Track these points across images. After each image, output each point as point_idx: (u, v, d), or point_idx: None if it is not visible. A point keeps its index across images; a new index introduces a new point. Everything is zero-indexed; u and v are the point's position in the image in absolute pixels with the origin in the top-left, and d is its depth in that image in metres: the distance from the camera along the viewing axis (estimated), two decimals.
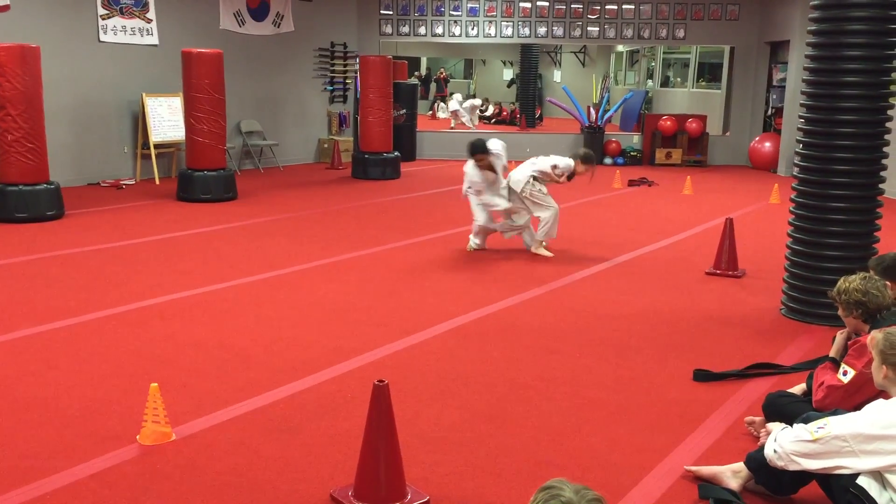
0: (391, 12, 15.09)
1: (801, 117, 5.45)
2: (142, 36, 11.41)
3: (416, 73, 26.18)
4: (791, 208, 5.55)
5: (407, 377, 4.30)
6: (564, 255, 7.35)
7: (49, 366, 4.40)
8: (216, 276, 6.33)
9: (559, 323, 5.35)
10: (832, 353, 3.68)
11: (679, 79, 20.78)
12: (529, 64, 21.61)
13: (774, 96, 14.43)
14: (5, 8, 9.53)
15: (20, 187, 8.30)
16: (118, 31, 11.08)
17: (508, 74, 27.93)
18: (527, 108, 21.51)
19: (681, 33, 15.10)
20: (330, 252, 7.27)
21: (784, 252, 5.66)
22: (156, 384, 3.53)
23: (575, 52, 25.38)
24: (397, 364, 4.53)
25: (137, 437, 3.52)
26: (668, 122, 14.82)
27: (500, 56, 27.88)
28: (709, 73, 18.79)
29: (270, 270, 6.57)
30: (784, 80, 13.85)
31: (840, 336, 3.73)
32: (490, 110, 24.26)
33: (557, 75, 26.17)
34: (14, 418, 3.75)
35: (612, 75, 24.97)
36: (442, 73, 28.17)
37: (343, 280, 6.35)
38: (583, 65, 25.40)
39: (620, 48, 23.61)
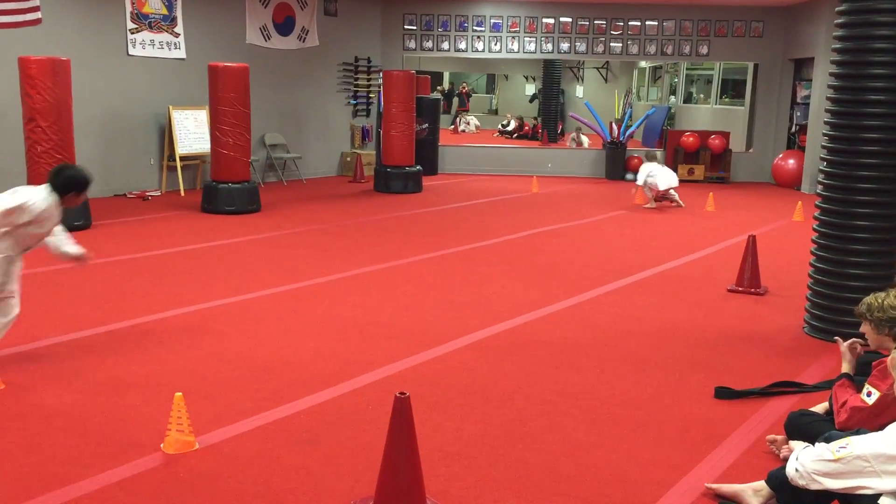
0: (415, 27, 15.20)
1: (825, 135, 5.43)
2: (169, 50, 11.57)
3: (439, 88, 26.31)
4: (815, 226, 5.52)
5: (428, 390, 4.32)
6: (585, 271, 7.35)
7: (75, 374, 4.46)
8: (240, 288, 6.40)
9: (580, 338, 5.35)
10: (844, 368, 3.65)
11: (702, 95, 20.73)
12: (552, 79, 21.64)
13: (798, 113, 14.36)
14: (37, 21, 9.71)
15: None
16: (146, 44, 11.25)
17: (531, 89, 27.98)
18: (549, 124, 21.52)
19: (704, 49, 15.08)
20: (352, 265, 7.32)
21: (807, 270, 5.63)
22: (180, 393, 3.57)
23: (597, 68, 25.38)
24: (418, 377, 4.55)
25: (161, 445, 3.57)
26: (691, 139, 14.79)
27: (522, 71, 27.94)
28: (732, 89, 18.73)
29: (293, 282, 6.62)
30: (808, 97, 13.78)
31: (844, 347, 3.69)
32: (512, 125, 24.30)
33: (580, 91, 26.17)
34: (41, 425, 3.80)
35: (634, 91, 24.95)
36: (464, 88, 28.29)
37: (365, 293, 6.39)
38: (605, 80, 25.39)
39: (643, 64, 23.60)
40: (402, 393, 2.98)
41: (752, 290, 6.64)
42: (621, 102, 23.15)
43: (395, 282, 6.78)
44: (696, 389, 4.45)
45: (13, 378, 4.35)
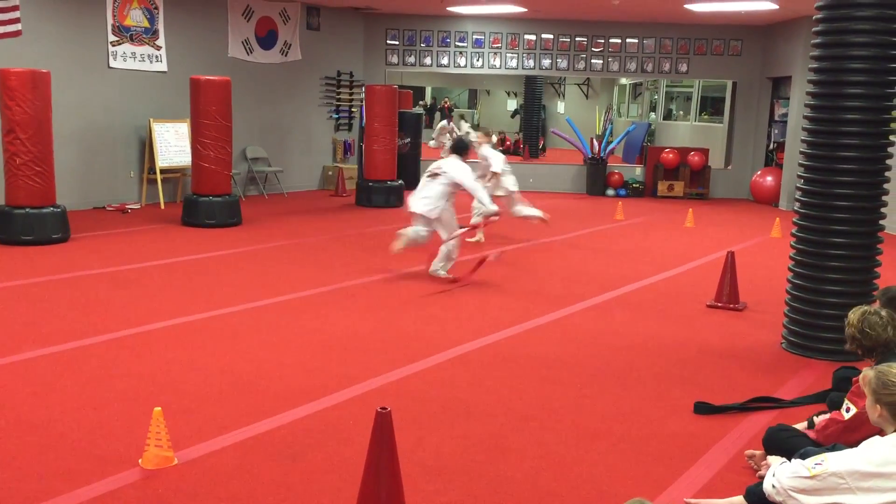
0: (397, 42, 15.26)
1: (802, 152, 5.50)
2: (151, 63, 11.54)
3: (421, 103, 26.40)
4: (792, 242, 5.58)
5: (409, 405, 4.31)
6: (566, 286, 7.38)
7: (52, 388, 4.42)
8: (220, 302, 6.36)
9: (561, 353, 5.37)
10: None
11: (682, 112, 20.94)
12: (533, 95, 21.79)
13: (776, 131, 14.53)
14: (17, 33, 9.66)
15: (27, 210, 8.37)
16: (128, 57, 11.22)
17: (512, 105, 28.14)
18: (530, 139, 21.64)
19: (684, 67, 15.25)
20: (334, 279, 7.30)
21: (785, 286, 5.69)
22: (159, 408, 3.55)
23: (578, 84, 25.58)
24: (399, 392, 4.55)
25: (140, 460, 3.53)
26: (671, 155, 14.92)
27: (504, 87, 28.10)
28: (711, 106, 18.93)
29: (274, 296, 6.60)
30: (786, 114, 13.96)
31: None
32: (494, 140, 24.38)
33: (561, 106, 26.36)
34: (17, 440, 3.76)
35: (615, 107, 25.15)
36: (446, 103, 28.38)
37: (346, 307, 6.38)
38: (586, 97, 25.59)
39: (624, 81, 23.81)
40: (383, 408, 2.98)
41: (731, 305, 6.70)
42: (602, 119, 23.34)
43: (377, 296, 6.78)
44: (675, 404, 4.47)
45: None
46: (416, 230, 7.45)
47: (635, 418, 4.27)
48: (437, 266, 7.44)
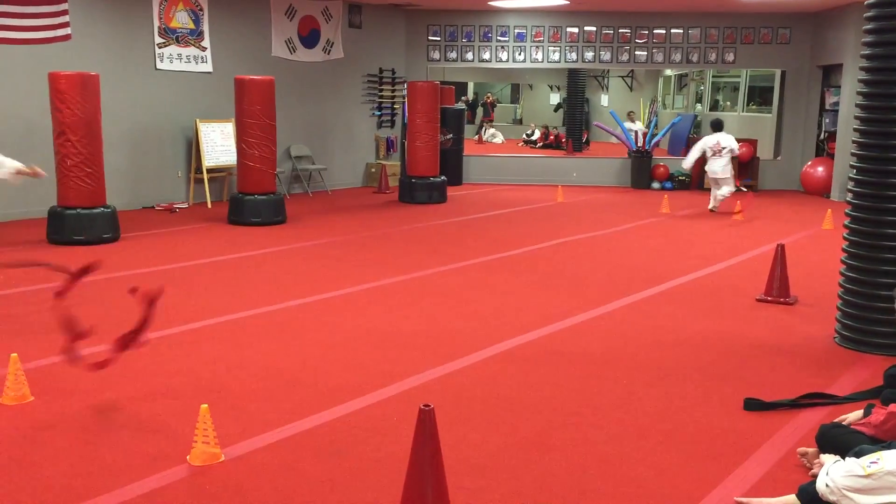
0: (439, 38, 15.26)
1: (854, 141, 5.36)
2: (196, 63, 11.71)
3: (464, 98, 26.37)
4: (845, 234, 5.44)
5: (452, 402, 4.30)
6: (611, 281, 7.30)
7: (102, 386, 4.50)
8: (265, 299, 6.43)
9: (607, 349, 5.31)
10: None
11: (728, 102, 20.58)
12: (576, 88, 21.61)
13: (827, 120, 14.20)
14: (66, 37, 9.88)
15: (78, 210, 8.55)
16: (174, 59, 11.39)
17: (555, 99, 27.96)
18: (573, 133, 21.48)
19: (730, 57, 14.98)
20: (377, 276, 7.33)
21: (837, 279, 5.54)
22: (206, 405, 3.59)
23: (622, 77, 25.31)
24: (443, 389, 4.54)
25: (188, 457, 3.58)
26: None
27: (546, 80, 27.94)
28: (759, 96, 18.58)
29: (318, 293, 6.64)
30: (837, 103, 13.62)
31: None
32: (536, 134, 24.27)
33: (605, 99, 26.12)
34: (67, 437, 3.84)
35: (659, 99, 24.83)
36: (489, 98, 28.32)
37: (390, 304, 6.39)
38: (630, 89, 25.32)
39: (668, 72, 23.49)
40: (426, 405, 2.97)
41: (782, 299, 6.56)
42: (646, 111, 23.05)
43: (419, 292, 6.78)
44: (724, 401, 4.39)
45: (45, 387, 4.39)
46: (722, 192, 11.55)
47: (683, 415, 4.20)
48: (716, 204, 11.62)
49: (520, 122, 29.02)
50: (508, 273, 7.54)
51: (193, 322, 5.77)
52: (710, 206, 11.66)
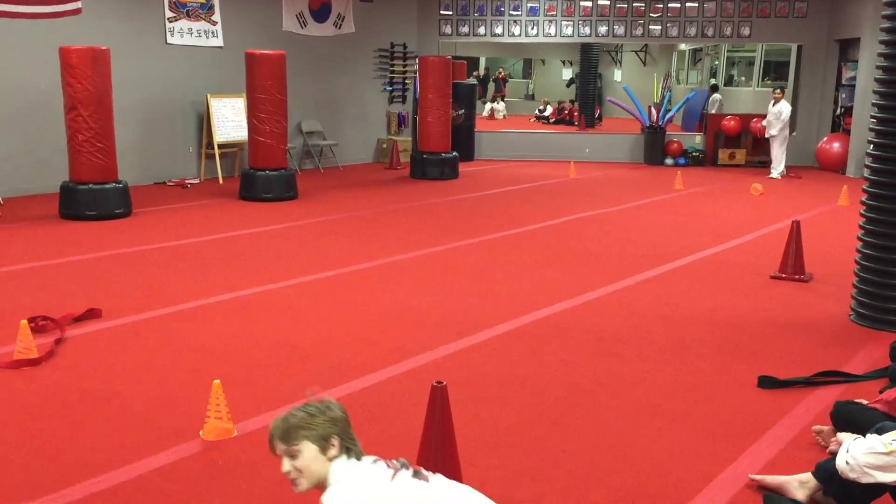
0: (451, 13, 15.12)
1: (872, 117, 5.27)
2: (207, 38, 11.64)
3: (475, 73, 26.19)
4: (861, 211, 5.37)
5: (464, 379, 4.29)
6: (624, 257, 7.26)
7: (115, 361, 4.51)
8: (277, 275, 6.42)
9: (618, 326, 5.28)
10: None
11: (743, 78, 20.36)
12: (589, 63, 21.42)
13: (844, 95, 14.02)
14: (77, 11, 9.83)
15: (90, 186, 8.55)
16: (184, 33, 11.33)
17: (568, 74, 27.74)
18: (586, 108, 21.32)
19: (746, 31, 14.79)
20: (388, 252, 7.31)
21: (853, 256, 5.48)
22: (218, 381, 3.59)
23: (636, 51, 25.06)
24: (455, 365, 4.53)
25: (200, 432, 3.59)
26: (732, 122, 14.53)
27: (559, 55, 27.71)
28: (775, 71, 18.36)
29: (330, 269, 6.63)
30: (854, 78, 13.44)
31: None
32: (549, 110, 24.11)
33: (618, 74, 25.89)
34: (81, 413, 3.85)
35: (673, 74, 24.58)
36: (501, 73, 28.11)
37: (401, 280, 6.37)
38: (644, 64, 25.07)
39: (683, 47, 23.23)
40: (438, 382, 2.96)
41: (797, 276, 6.50)
42: (660, 86, 22.84)
43: (431, 269, 6.76)
44: (738, 379, 4.36)
45: (58, 362, 4.41)
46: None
47: (696, 393, 4.18)
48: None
49: (532, 97, 28.82)
50: (521, 250, 7.51)
51: (205, 298, 5.77)
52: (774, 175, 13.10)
